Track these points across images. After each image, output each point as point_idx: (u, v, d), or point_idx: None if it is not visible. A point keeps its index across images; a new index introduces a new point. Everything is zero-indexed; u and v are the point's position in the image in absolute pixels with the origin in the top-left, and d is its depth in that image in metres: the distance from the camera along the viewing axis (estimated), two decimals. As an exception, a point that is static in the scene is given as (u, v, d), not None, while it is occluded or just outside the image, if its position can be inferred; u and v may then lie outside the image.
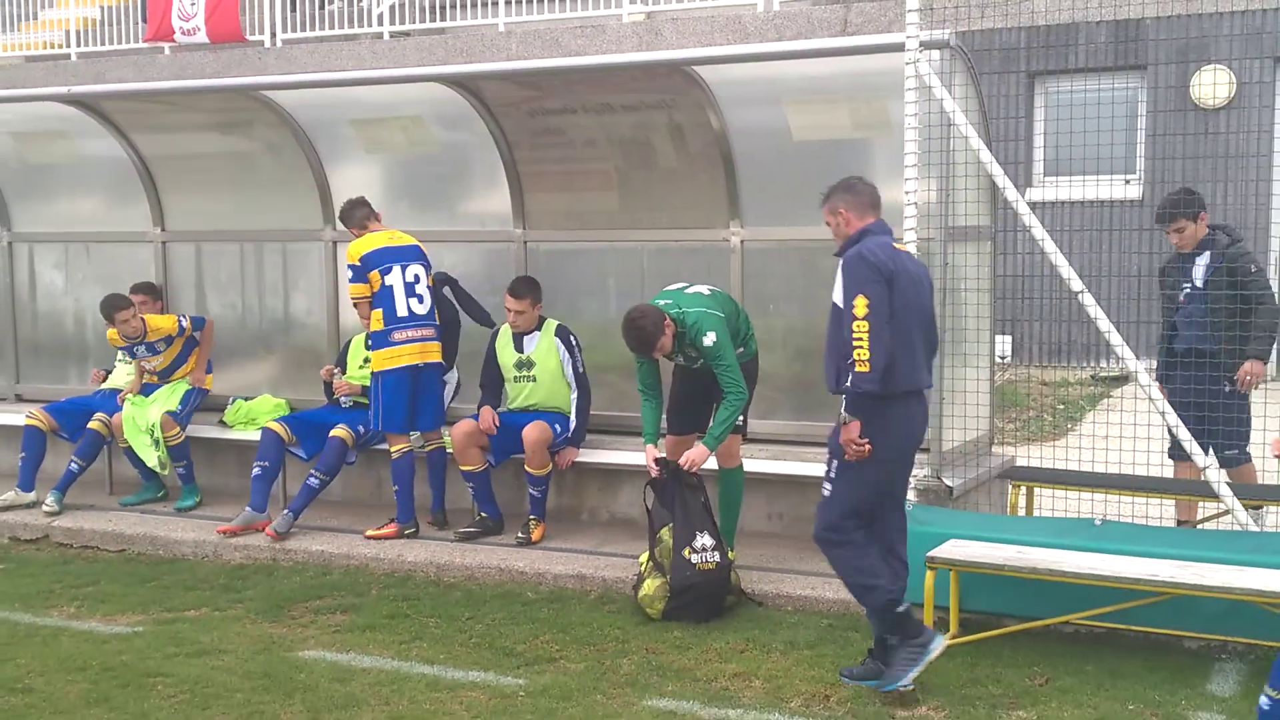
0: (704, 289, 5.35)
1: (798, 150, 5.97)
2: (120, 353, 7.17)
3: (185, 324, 6.86)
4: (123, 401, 6.77)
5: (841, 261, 4.11)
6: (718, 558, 4.94)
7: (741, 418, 5.27)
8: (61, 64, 13.64)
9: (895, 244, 4.22)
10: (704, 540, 4.94)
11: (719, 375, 5.07)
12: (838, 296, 4.08)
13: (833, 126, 5.88)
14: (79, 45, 14.01)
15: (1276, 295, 5.67)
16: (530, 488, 5.90)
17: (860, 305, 3.94)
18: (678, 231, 6.31)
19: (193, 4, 12.25)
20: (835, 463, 4.14)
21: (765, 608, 5.08)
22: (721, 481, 5.36)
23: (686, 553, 4.90)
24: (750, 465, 5.52)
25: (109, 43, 13.82)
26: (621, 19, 11.27)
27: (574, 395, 6.05)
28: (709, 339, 5.02)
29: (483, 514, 6.02)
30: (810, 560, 5.49)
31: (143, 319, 6.74)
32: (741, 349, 5.22)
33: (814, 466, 5.65)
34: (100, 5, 14.61)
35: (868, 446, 4.01)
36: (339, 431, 6.18)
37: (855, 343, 3.94)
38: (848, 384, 3.97)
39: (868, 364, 3.92)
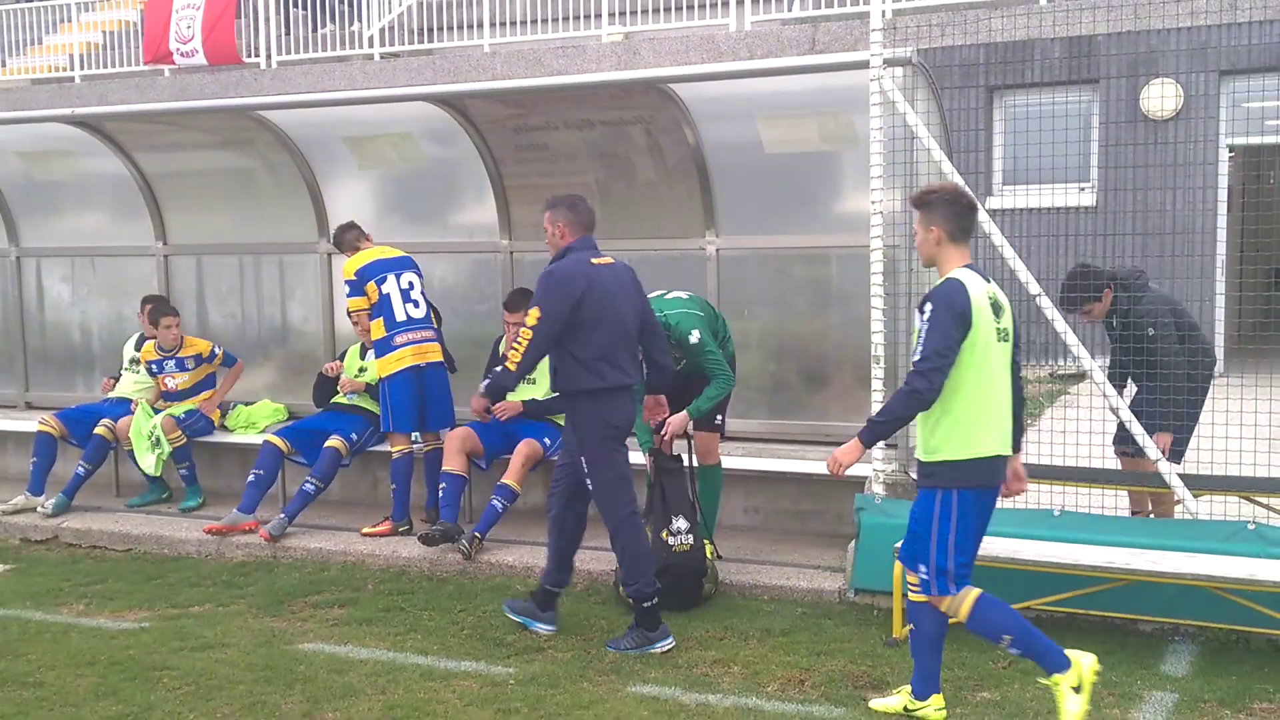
0: (682, 293, 5.37)
1: (769, 163, 5.99)
2: (133, 365, 7.12)
3: (218, 352, 6.88)
4: (135, 408, 6.72)
5: (541, 274, 4.49)
6: (692, 540, 4.94)
7: (720, 417, 5.28)
8: (66, 86, 13.55)
9: (595, 259, 4.50)
10: (680, 524, 4.94)
11: (706, 366, 5.08)
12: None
13: (802, 140, 5.90)
14: (82, 68, 13.92)
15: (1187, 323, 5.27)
16: (496, 497, 5.67)
17: (532, 316, 4.35)
18: (656, 241, 6.32)
19: (189, 26, 12.19)
20: (585, 463, 4.49)
21: (743, 597, 5.08)
22: (701, 478, 5.36)
23: (665, 534, 4.92)
24: (728, 462, 5.54)
25: (111, 66, 13.74)
26: (601, 39, 11.29)
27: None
28: (694, 336, 5.06)
29: (443, 521, 5.71)
30: (784, 552, 5.52)
31: (181, 335, 6.75)
32: (720, 350, 5.24)
33: (789, 463, 5.71)
34: (102, 30, 14.52)
35: (489, 414, 4.73)
36: (333, 442, 6.18)
37: (514, 345, 4.36)
38: (498, 369, 4.41)
39: (515, 365, 4.37)
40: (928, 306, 3.55)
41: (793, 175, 6.02)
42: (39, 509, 6.63)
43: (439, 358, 6.08)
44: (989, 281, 3.68)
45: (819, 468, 5.57)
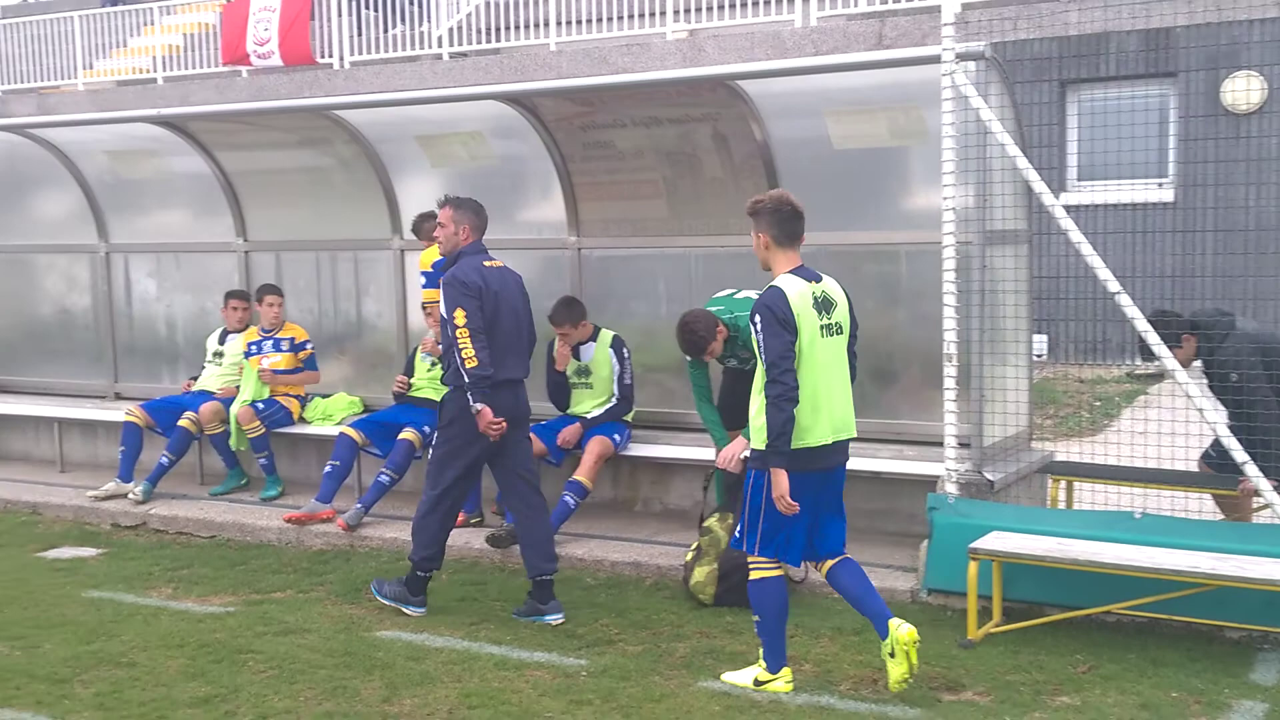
0: (752, 293, 5.32)
1: (838, 159, 5.90)
2: (215, 358, 7.30)
3: (309, 347, 7.05)
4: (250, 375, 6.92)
5: (441, 281, 4.82)
6: None
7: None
8: (149, 87, 13.94)
9: (487, 262, 4.86)
10: None
11: None
12: (443, 310, 4.79)
13: (871, 136, 5.80)
14: (165, 70, 14.32)
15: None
16: (568, 493, 5.69)
17: (459, 317, 4.69)
18: (724, 238, 6.27)
19: (266, 28, 12.46)
20: (440, 439, 4.95)
21: (811, 593, 5.03)
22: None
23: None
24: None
25: (192, 67, 14.11)
26: (665, 37, 11.25)
27: (613, 400, 6.01)
28: None
29: (510, 524, 5.69)
30: (855, 550, 5.39)
31: (282, 317, 7.01)
32: None
33: (865, 461, 5.60)
34: (183, 33, 14.93)
35: (503, 424, 4.74)
36: (407, 434, 6.25)
37: (461, 347, 4.67)
38: (467, 380, 4.68)
39: (475, 359, 4.66)
40: (757, 319, 3.87)
41: (861, 171, 5.92)
42: (129, 495, 6.84)
43: None
44: (818, 280, 3.97)
45: (889, 466, 5.51)
